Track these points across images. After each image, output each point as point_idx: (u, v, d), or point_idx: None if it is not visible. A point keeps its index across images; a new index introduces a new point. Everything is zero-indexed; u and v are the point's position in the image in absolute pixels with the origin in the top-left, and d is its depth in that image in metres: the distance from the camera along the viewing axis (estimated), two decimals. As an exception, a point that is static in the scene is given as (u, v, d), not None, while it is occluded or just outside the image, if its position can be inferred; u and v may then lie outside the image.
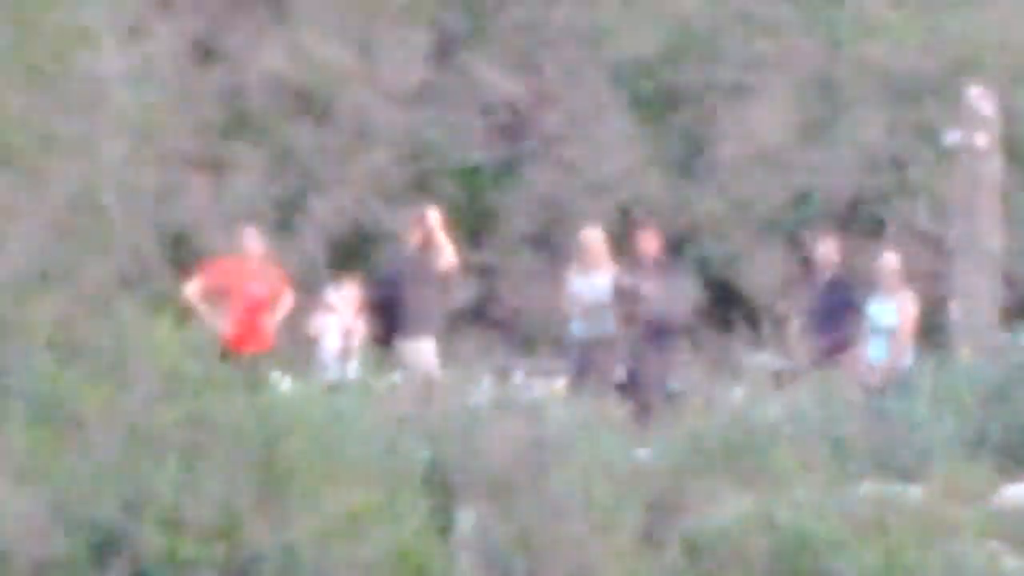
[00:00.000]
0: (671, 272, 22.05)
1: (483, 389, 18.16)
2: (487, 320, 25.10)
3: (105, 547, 10.78)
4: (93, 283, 15.40)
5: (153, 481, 11.25)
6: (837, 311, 21.21)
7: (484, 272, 26.02)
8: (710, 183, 26.58)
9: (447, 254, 20.55)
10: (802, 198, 25.62)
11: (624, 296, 21.15)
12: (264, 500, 10.97)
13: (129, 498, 11.16)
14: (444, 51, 28.78)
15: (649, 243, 21.84)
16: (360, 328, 20.64)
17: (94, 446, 11.56)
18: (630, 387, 20.09)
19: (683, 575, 12.61)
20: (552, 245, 25.07)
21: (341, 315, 20.50)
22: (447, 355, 20.33)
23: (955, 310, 21.37)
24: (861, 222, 25.14)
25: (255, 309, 18.99)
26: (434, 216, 20.57)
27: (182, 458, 11.18)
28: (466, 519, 12.03)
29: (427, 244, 20.54)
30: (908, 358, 20.44)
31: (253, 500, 10.94)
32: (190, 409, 11.60)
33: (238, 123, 27.78)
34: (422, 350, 20.11)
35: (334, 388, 16.93)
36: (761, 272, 24.38)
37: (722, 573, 12.97)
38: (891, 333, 20.62)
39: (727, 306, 24.26)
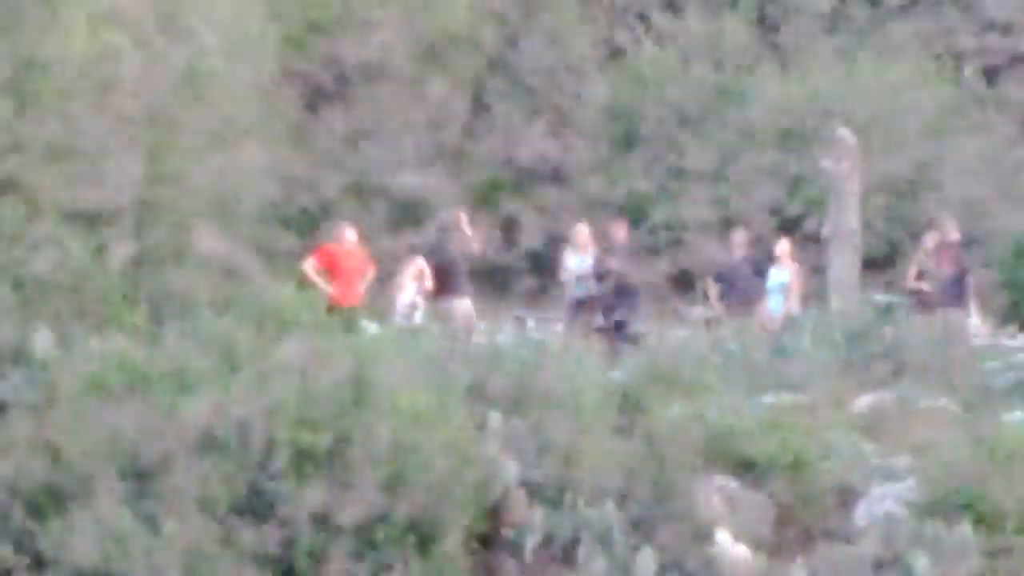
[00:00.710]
0: (633, 253, 22.30)
1: (505, 331, 18.49)
2: (508, 283, 25.07)
3: (245, 434, 10.70)
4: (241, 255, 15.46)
5: (284, 390, 11.06)
6: (747, 278, 21.54)
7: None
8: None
9: (475, 242, 21.02)
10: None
11: (601, 269, 21.30)
12: (357, 404, 11.02)
13: (268, 405, 10.95)
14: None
15: (619, 232, 21.99)
16: (422, 290, 20.70)
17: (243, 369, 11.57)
18: (606, 330, 20.16)
19: (643, 458, 12.51)
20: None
21: (409, 281, 20.59)
22: (481, 309, 20.54)
23: (829, 277, 21.63)
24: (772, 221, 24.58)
25: (350, 278, 19.10)
26: (463, 216, 21.23)
27: (303, 376, 11.15)
28: (495, 419, 12.02)
29: (462, 235, 20.89)
30: (796, 309, 20.64)
31: (350, 404, 11.03)
32: (309, 345, 11.61)
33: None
34: (464, 305, 20.20)
35: (405, 331, 16.73)
36: (697, 253, 24.39)
37: (671, 455, 12.70)
38: (785, 292, 20.86)
39: (674, 276, 24.17)
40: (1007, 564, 12.01)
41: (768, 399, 14.92)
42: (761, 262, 21.67)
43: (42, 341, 11.62)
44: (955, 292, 20.50)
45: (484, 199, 26.56)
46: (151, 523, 9.93)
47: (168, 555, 9.74)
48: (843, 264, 21.68)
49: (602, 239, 21.88)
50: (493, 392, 12.69)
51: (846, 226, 21.86)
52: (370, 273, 19.71)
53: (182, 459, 10.43)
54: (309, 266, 18.76)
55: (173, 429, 10.65)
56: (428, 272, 20.70)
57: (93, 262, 13.81)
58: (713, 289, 21.98)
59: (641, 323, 20.57)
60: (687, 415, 13.64)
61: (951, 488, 12.48)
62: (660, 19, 30.92)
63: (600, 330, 20.20)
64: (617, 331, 20.18)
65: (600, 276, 21.40)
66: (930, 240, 21.47)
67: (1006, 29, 30.68)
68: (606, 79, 29.27)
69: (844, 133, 22.11)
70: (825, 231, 22.22)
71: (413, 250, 21.79)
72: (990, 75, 30.48)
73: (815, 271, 21.87)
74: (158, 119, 14.92)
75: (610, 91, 29.04)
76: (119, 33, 14.53)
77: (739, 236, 22.27)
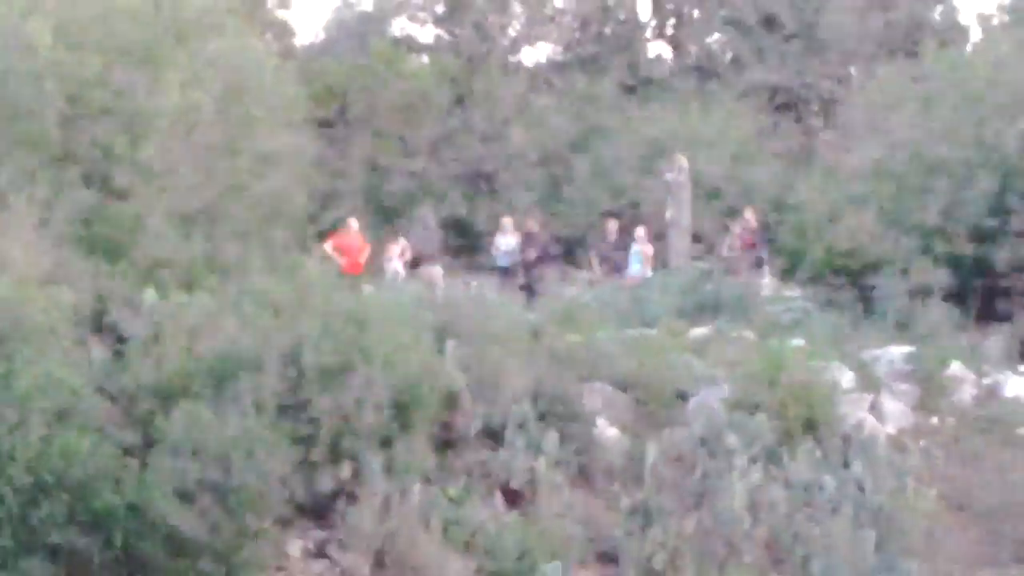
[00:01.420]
0: (543, 237, 22.38)
1: (457, 287, 18.22)
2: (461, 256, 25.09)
3: (284, 357, 10.55)
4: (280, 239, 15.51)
5: (310, 327, 10.86)
6: (618, 252, 21.63)
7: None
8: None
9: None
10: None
11: (525, 245, 21.54)
12: (357, 338, 10.88)
13: (300, 338, 10.79)
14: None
15: (531, 223, 22.14)
16: (404, 261, 20.84)
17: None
18: (525, 287, 20.36)
19: (548, 371, 12.48)
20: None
21: (395, 256, 20.69)
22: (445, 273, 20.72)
23: (672, 250, 21.79)
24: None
25: (354, 255, 19.41)
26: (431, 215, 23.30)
27: (323, 318, 11.10)
28: (451, 346, 11.94)
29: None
30: (649, 273, 20.56)
31: (353, 338, 10.90)
32: (326, 300, 11.50)
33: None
34: (436, 271, 20.50)
35: (392, 289, 16.65)
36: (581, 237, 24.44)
37: (566, 369, 12.82)
38: (642, 261, 20.82)
39: (569, 252, 24.17)
40: (790, 442, 12.06)
41: (631, 332, 14.94)
42: (626, 241, 21.72)
43: (149, 297, 11.60)
44: (752, 260, 20.78)
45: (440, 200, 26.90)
46: (223, 417, 9.90)
47: (234, 439, 9.72)
48: (679, 243, 21.90)
49: (520, 227, 21.97)
50: (451, 329, 12.47)
51: (681, 218, 21.98)
52: (367, 251, 20.08)
53: (243, 374, 10.33)
54: (327, 246, 18.96)
55: (234, 355, 10.54)
56: (408, 249, 20.95)
57: (183, 245, 13.81)
58: (595, 260, 22.06)
59: (548, 282, 20.48)
60: (577, 343, 13.65)
61: (751, 390, 12.55)
62: (559, 80, 31.13)
63: (521, 287, 20.36)
64: (530, 288, 20.19)
65: (522, 251, 21.48)
66: (736, 227, 21.75)
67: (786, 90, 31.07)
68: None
69: (680, 157, 22.27)
70: (668, 220, 22.20)
71: (398, 235, 22.02)
72: (782, 111, 30.82)
73: (659, 246, 21.90)
74: (225, 150, 14.90)
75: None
76: (199, 91, 14.50)
77: (612, 225, 22.35)
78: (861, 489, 11.72)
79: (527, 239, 21.56)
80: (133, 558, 9.40)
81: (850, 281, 18.32)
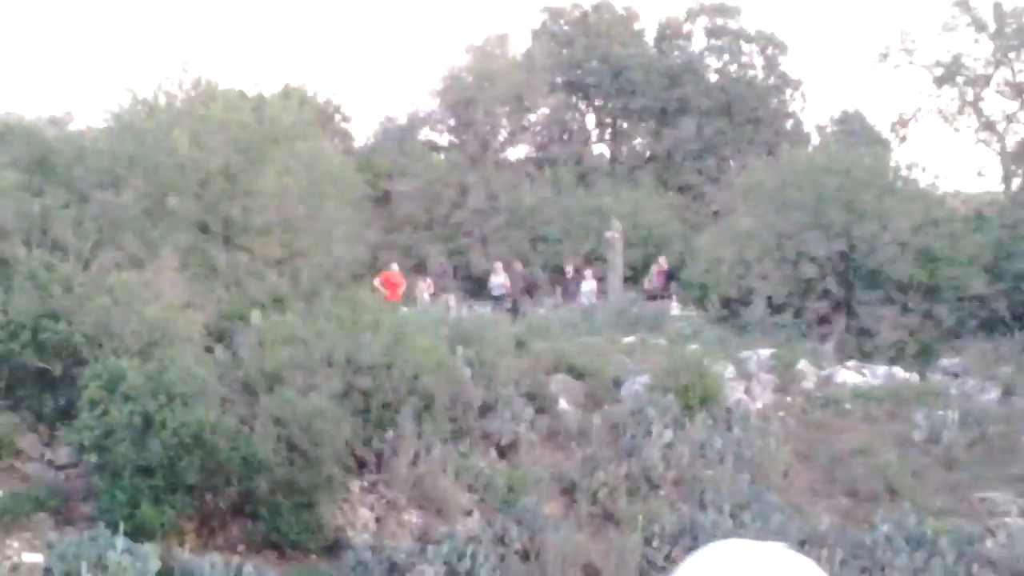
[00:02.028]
0: (527, 273, 22.30)
1: (463, 310, 18.10)
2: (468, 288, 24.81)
3: (345, 356, 10.38)
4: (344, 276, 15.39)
5: (362, 334, 10.62)
6: (576, 286, 21.53)
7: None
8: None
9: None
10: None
11: (511, 281, 21.15)
12: (396, 343, 10.69)
13: (356, 343, 10.52)
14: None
15: (516, 266, 22.01)
16: (430, 292, 20.73)
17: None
18: (511, 310, 19.92)
19: (527, 367, 12.38)
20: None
21: (423, 290, 20.60)
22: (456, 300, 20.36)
23: (610, 285, 21.36)
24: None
25: (395, 288, 19.07)
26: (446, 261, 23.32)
27: (373, 331, 10.87)
28: (459, 351, 11.59)
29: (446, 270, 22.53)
30: (595, 299, 20.36)
31: (392, 344, 10.64)
32: (376, 317, 11.41)
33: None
34: (450, 299, 20.08)
35: (420, 312, 16.40)
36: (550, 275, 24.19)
37: (539, 365, 12.69)
38: (589, 293, 20.76)
39: (541, 286, 23.61)
40: (690, 413, 11.85)
41: (583, 340, 14.71)
42: (579, 279, 21.65)
43: (255, 317, 11.41)
44: (664, 292, 20.75)
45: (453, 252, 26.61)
46: (306, 398, 9.75)
47: (313, 413, 9.65)
48: (614, 280, 21.54)
49: (508, 269, 21.84)
50: (460, 338, 12.25)
51: (616, 263, 21.70)
52: (404, 286, 19.76)
53: (318, 369, 10.22)
54: (377, 282, 18.75)
55: (312, 355, 10.41)
56: (431, 285, 20.79)
57: (278, 281, 13.70)
58: (557, 292, 22.02)
59: (526, 307, 20.28)
60: (547, 347, 13.50)
61: (664, 379, 12.35)
62: (533, 170, 31.16)
63: (508, 310, 19.97)
64: (515, 310, 19.88)
65: (512, 284, 21.26)
66: (653, 269, 21.79)
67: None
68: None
69: (616, 221, 22.16)
70: (607, 264, 21.98)
71: (424, 275, 21.99)
72: (684, 191, 30.87)
73: (602, 282, 21.67)
74: (307, 217, 14.78)
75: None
76: (289, 177, 14.45)
77: (569, 266, 22.33)
78: (739, 446, 11.61)
79: (512, 277, 21.49)
80: (245, 494, 9.37)
81: (730, 305, 18.17)
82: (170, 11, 60.99)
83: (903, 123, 26.31)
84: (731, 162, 30.35)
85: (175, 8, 62.73)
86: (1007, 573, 9.74)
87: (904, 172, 19.17)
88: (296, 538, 9.29)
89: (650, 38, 32.32)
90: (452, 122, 31.38)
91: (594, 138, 34.27)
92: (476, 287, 24.97)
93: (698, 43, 31.70)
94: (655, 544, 9.78)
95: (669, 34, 31.65)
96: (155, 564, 7.85)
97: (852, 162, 18.56)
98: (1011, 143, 25.85)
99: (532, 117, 32.02)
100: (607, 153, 34.13)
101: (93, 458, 8.93)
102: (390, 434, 10.39)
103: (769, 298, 17.46)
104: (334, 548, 9.53)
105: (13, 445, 9.70)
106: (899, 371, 14.67)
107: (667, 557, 9.87)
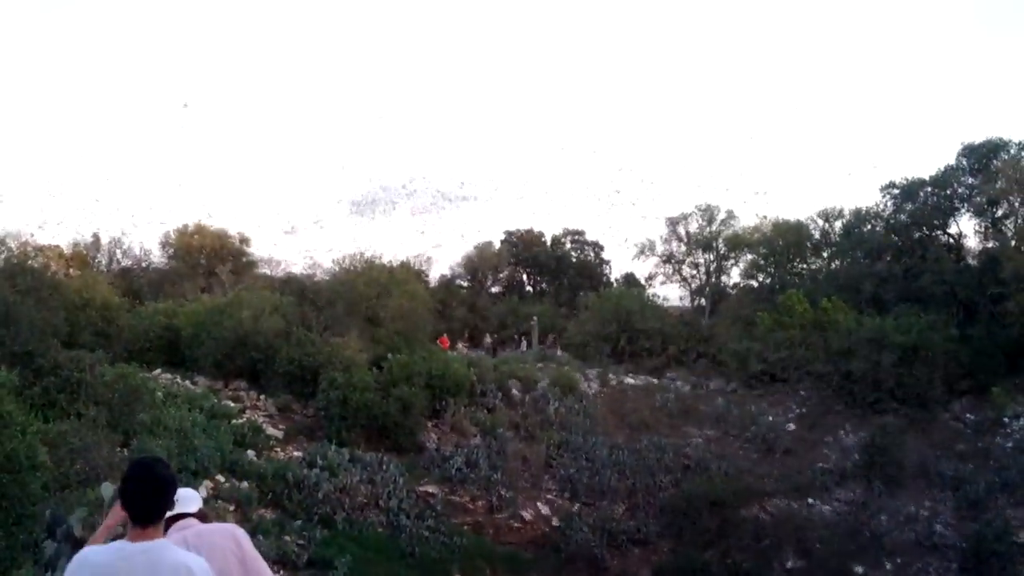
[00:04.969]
0: (496, 339, 18.25)
1: (472, 353, 15.83)
2: (473, 345, 18.38)
3: (406, 375, 9.66)
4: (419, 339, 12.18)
5: (423, 367, 9.65)
6: (518, 344, 17.91)
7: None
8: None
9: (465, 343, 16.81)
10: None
11: (491, 341, 18.48)
12: (446, 366, 9.85)
13: (416, 369, 9.65)
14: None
15: (495, 338, 18.30)
16: (460, 347, 17.64)
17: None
18: (491, 353, 17.22)
19: (499, 375, 11.23)
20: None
21: (459, 345, 17.78)
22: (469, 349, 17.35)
23: (533, 344, 18.21)
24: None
25: (445, 344, 15.72)
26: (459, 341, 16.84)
27: (431, 364, 9.83)
28: (472, 370, 10.81)
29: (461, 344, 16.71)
30: (527, 350, 16.76)
31: (445, 366, 9.88)
32: (439, 355, 10.41)
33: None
34: (465, 349, 17.48)
35: (458, 355, 13.94)
36: (508, 340, 18.73)
37: (505, 375, 11.63)
38: (524, 347, 17.38)
39: (506, 343, 18.70)
40: (566, 395, 11.31)
41: (522, 365, 13.32)
42: (520, 339, 18.30)
43: (390, 357, 9.66)
44: (554, 347, 17.15)
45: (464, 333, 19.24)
46: (408, 390, 9.36)
47: (410, 393, 9.16)
48: (534, 341, 18.24)
49: (491, 338, 18.97)
50: (472, 363, 11.72)
51: (534, 334, 18.10)
52: (448, 343, 16.31)
53: (415, 376, 9.65)
54: (437, 343, 15.34)
55: (414, 369, 9.80)
56: (463, 344, 18.08)
57: (399, 339, 11.24)
58: (511, 347, 17.99)
59: (499, 352, 17.63)
60: (507, 367, 12.74)
61: (555, 380, 11.65)
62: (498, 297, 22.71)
63: (489, 351, 17.46)
64: (495, 353, 17.29)
65: (492, 343, 18.42)
66: (550, 336, 18.78)
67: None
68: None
69: (534, 317, 18.14)
70: (531, 332, 18.79)
71: (457, 339, 18.60)
72: (564, 304, 22.38)
73: (529, 342, 17.56)
74: (403, 319, 12.83)
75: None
76: (403, 299, 12.78)
77: (517, 336, 18.15)
78: (585, 408, 11.52)
79: (493, 341, 19.22)
80: (383, 425, 8.99)
81: (584, 350, 16.13)
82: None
83: (651, 277, 25.44)
84: (581, 293, 26.40)
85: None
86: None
87: (648, 300, 17.98)
88: (404, 445, 9.34)
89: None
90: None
91: (528, 284, 27.10)
92: (476, 345, 20.80)
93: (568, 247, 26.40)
94: (550, 450, 9.92)
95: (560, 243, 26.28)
96: (346, 456, 8.13)
97: (625, 295, 17.55)
98: (694, 286, 21.78)
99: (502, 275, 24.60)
100: (530, 289, 28.09)
101: (322, 413, 9.09)
102: (443, 403, 10.36)
103: (598, 345, 16.22)
104: (420, 450, 9.56)
105: (290, 407, 9.87)
106: (650, 377, 14.72)
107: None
